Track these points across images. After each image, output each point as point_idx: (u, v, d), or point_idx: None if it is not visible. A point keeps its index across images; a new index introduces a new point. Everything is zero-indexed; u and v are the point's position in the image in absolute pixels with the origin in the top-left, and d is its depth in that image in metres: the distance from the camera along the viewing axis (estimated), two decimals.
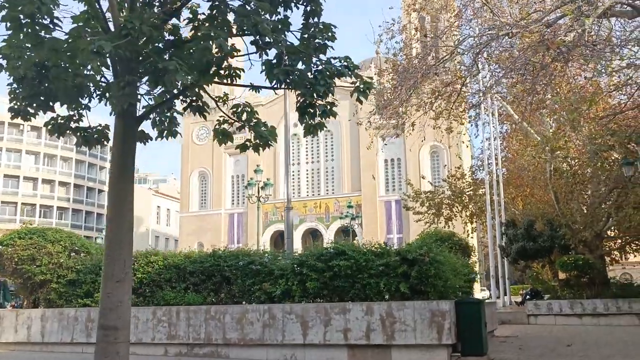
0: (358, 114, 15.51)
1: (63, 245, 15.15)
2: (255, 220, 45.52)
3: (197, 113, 5.59)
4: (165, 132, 6.47)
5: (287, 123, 16.72)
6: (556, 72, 16.41)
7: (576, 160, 27.28)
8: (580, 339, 16.73)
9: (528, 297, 29.98)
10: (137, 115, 5.41)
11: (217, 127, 5.88)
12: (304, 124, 5.66)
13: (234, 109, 5.79)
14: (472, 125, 32.29)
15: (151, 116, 6.28)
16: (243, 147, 5.86)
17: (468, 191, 37.23)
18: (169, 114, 6.33)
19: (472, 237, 40.23)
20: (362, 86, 5.32)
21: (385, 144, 19.73)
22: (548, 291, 27.79)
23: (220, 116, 5.87)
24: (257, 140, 5.76)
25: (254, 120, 5.71)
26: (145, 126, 6.49)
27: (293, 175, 68.72)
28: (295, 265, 12.47)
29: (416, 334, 10.92)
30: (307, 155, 68.85)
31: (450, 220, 35.90)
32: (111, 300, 4.85)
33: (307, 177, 68.37)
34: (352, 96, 5.43)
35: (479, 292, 56.52)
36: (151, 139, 6.48)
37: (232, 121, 5.80)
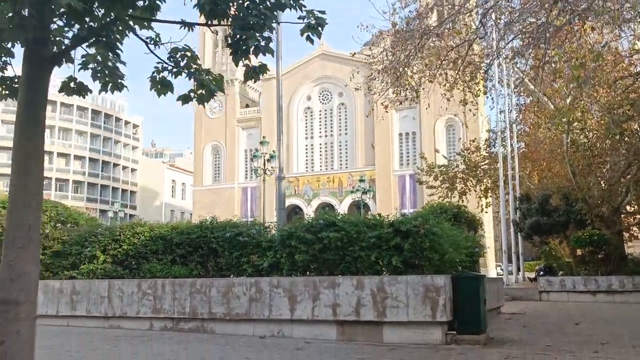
0: (355, 78, 14.62)
1: (48, 215, 14.60)
2: (269, 194, 45.01)
3: (109, 52, 4.84)
4: (110, 85, 5.76)
5: (279, 85, 15.96)
6: (571, 35, 15.42)
7: (594, 132, 26.24)
8: (592, 316, 15.97)
9: (541, 273, 29.15)
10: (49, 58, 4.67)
11: (154, 74, 5.14)
12: (244, 68, 4.91)
13: (172, 54, 5.06)
14: (488, 97, 31.25)
15: (90, 67, 5.56)
16: (185, 98, 5.13)
17: (483, 165, 36.36)
18: (110, 64, 5.58)
19: (486, 212, 39.41)
20: (313, 22, 4.56)
21: (387, 112, 18.89)
22: (562, 267, 26.96)
23: (158, 62, 5.14)
24: (202, 91, 5.04)
25: (194, 67, 4.97)
26: (86, 78, 5.75)
27: (306, 149, 68.01)
28: (284, 237, 11.81)
29: (409, 311, 10.23)
30: (320, 129, 67.99)
31: (464, 194, 35.12)
32: (13, 270, 4.18)
33: (320, 151, 67.59)
34: (302, 35, 4.67)
35: (493, 268, 55.82)
36: (90, 92, 5.77)
37: (171, 68, 5.07)
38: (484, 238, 18.44)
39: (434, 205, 17.33)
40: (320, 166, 67.30)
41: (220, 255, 12.73)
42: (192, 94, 5.22)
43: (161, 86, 5.18)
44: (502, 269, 35.11)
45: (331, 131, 67.40)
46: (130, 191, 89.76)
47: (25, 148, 4.47)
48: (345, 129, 66.60)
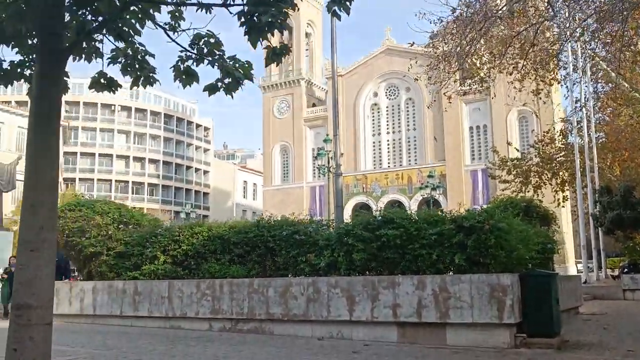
0: (418, 69, 13.92)
1: (111, 217, 14.83)
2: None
3: (118, 40, 4.57)
4: (142, 79, 5.54)
5: (334, 81, 15.53)
6: None
7: None
8: None
9: (625, 270, 27.32)
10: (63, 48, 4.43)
11: (178, 64, 4.84)
12: (265, 49, 4.53)
13: (195, 40, 4.74)
14: (562, 85, 29.69)
15: (120, 60, 5.36)
16: (212, 89, 4.79)
17: (558, 157, 34.65)
18: (139, 57, 5.36)
19: (563, 207, 37.55)
20: None
21: (450, 102, 18.09)
22: None
23: (181, 51, 4.84)
24: (229, 80, 4.70)
25: (218, 53, 4.63)
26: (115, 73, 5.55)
27: (374, 146, 67.22)
28: (341, 235, 11.39)
29: (473, 311, 9.62)
30: (387, 125, 66.97)
31: (539, 188, 33.59)
32: (24, 274, 3.96)
33: (388, 148, 66.59)
34: (329, 11, 4.24)
35: (572, 265, 53.23)
36: (120, 87, 5.57)
37: (196, 56, 4.74)
38: (558, 233, 17.28)
39: (503, 199, 16.41)
40: (389, 163, 66.31)
41: (278, 254, 12.47)
42: (219, 84, 4.88)
43: (186, 76, 4.88)
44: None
45: (399, 127, 66.24)
46: (203, 193, 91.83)
47: (38, 144, 4.26)
48: (414, 125, 65.29)
